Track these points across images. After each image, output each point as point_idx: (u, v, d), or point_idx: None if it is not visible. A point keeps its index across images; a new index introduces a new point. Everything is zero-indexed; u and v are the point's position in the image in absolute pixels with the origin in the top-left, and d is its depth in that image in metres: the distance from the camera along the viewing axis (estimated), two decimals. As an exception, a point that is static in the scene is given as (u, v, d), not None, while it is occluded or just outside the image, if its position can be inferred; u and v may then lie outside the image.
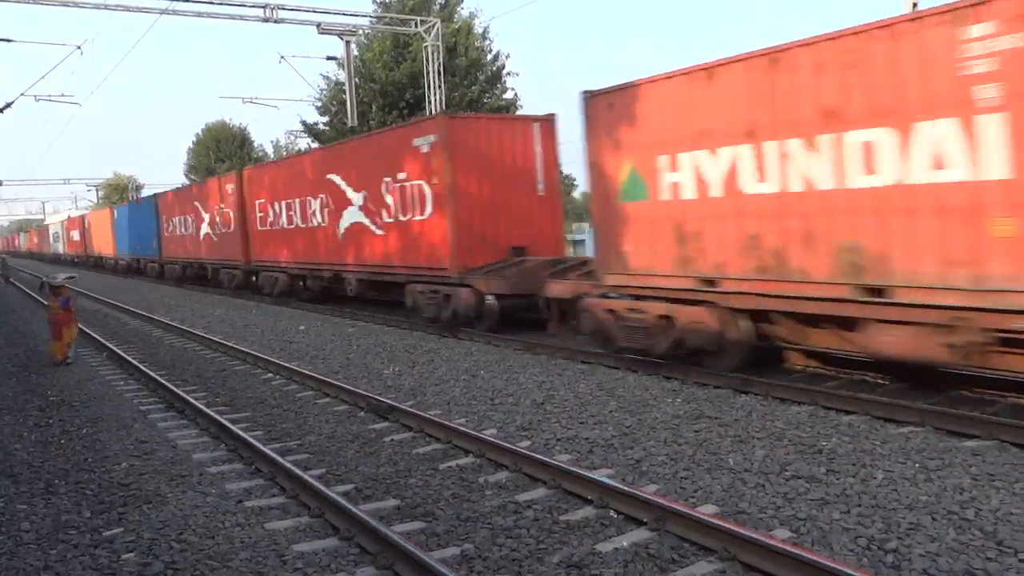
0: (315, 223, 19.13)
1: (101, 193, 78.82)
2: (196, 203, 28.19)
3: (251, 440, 7.47)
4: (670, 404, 8.45)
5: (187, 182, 54.89)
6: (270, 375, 11.46)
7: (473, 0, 33.30)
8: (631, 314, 10.29)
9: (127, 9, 21.95)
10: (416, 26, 26.39)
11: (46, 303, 15.08)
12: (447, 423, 7.79)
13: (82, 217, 55.45)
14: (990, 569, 4.45)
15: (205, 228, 27.42)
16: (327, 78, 32.46)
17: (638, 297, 10.33)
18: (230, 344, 13.86)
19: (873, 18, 7.54)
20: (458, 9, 30.76)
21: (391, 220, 15.90)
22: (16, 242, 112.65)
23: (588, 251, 18.63)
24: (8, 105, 24.26)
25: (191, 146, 56.67)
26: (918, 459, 6.30)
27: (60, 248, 64.44)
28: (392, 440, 7.77)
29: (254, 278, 24.27)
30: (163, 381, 10.67)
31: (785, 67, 8.28)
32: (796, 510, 5.43)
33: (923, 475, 5.94)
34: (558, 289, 12.17)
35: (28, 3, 20.69)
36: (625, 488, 5.69)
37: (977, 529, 4.97)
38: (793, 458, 6.50)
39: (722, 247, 9.12)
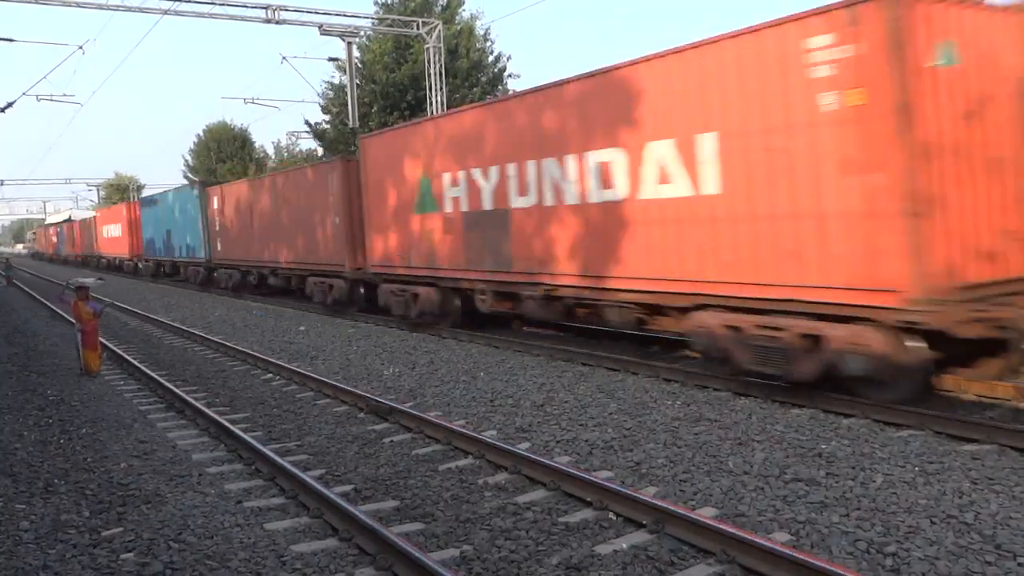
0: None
1: (102, 193, 78.84)
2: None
3: (251, 441, 7.48)
4: (670, 406, 8.45)
5: (186, 182, 55.00)
6: (270, 376, 11.46)
7: (474, 2, 33.37)
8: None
9: (129, 9, 21.97)
10: (417, 28, 26.42)
11: (68, 302, 13.24)
12: (447, 424, 7.79)
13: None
14: (989, 573, 4.46)
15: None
16: (329, 83, 32.51)
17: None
18: (230, 344, 13.86)
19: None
20: (459, 11, 30.81)
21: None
22: (76, 238, 57.47)
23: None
24: (10, 105, 24.30)
25: (192, 147, 56.63)
26: (917, 463, 6.30)
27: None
28: (392, 441, 7.77)
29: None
30: (163, 381, 10.68)
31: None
32: (795, 513, 5.43)
33: (922, 479, 5.94)
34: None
35: (30, 3, 20.71)
36: (625, 490, 5.69)
37: (976, 533, 4.97)
38: (793, 461, 6.51)
39: None
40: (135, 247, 38.73)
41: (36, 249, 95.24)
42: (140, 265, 38.50)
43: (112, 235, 43.80)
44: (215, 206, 26.45)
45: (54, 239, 72.45)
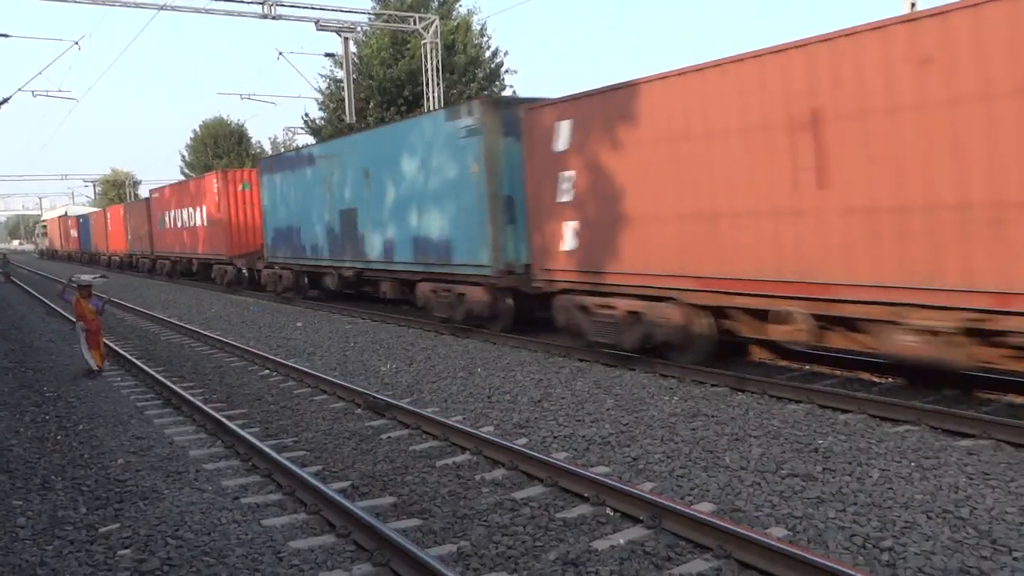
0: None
1: (98, 189, 78.73)
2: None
3: (248, 437, 7.47)
4: (667, 402, 8.47)
5: (183, 179, 54.85)
6: (267, 372, 11.45)
7: (471, -2, 33.25)
8: None
9: (125, 4, 21.90)
10: (414, 23, 26.37)
11: (69, 300, 12.18)
12: (444, 420, 7.79)
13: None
14: (984, 568, 4.47)
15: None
16: (326, 78, 32.49)
17: None
18: (227, 340, 13.85)
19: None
20: (456, 6, 30.78)
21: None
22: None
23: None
24: (5, 100, 24.29)
25: (189, 142, 56.61)
26: (914, 458, 6.31)
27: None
28: (389, 437, 7.77)
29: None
30: (160, 377, 10.67)
31: None
32: (792, 508, 5.45)
33: (919, 474, 5.96)
34: None
35: (25, -2, 20.62)
36: (621, 486, 5.70)
37: (972, 528, 4.99)
38: (789, 456, 6.52)
39: None
40: (245, 241, 24.30)
41: (46, 246, 77.33)
42: (255, 272, 23.21)
43: (185, 224, 28.68)
44: (560, 143, 11.03)
45: (74, 233, 57.63)
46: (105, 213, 46.80)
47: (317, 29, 24.42)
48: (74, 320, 11.95)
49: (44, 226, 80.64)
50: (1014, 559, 4.56)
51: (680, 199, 9.49)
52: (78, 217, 58.42)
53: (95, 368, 11.49)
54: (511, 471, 6.51)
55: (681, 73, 9.38)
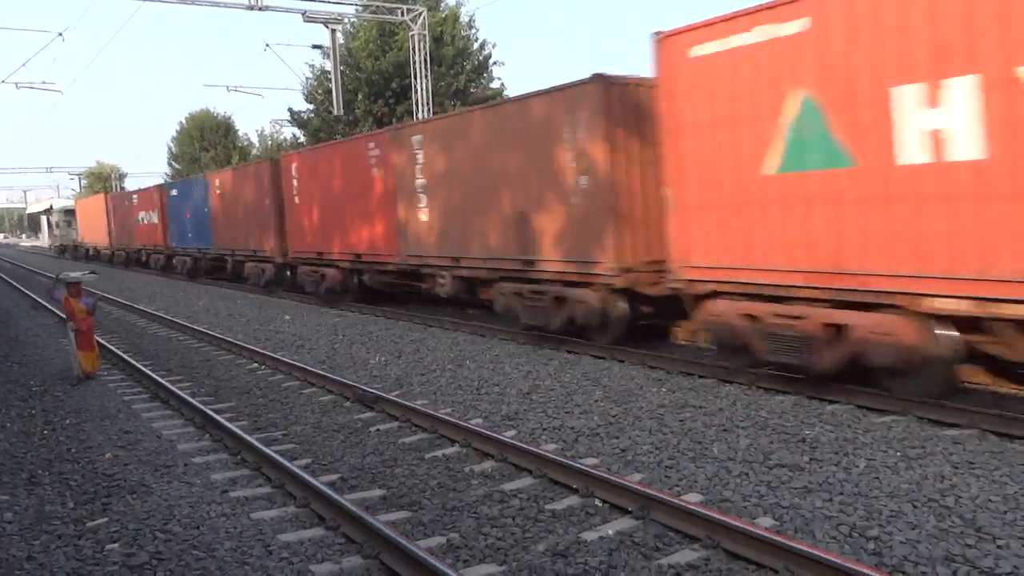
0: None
1: (84, 182, 78.09)
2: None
3: (236, 430, 7.45)
4: (655, 394, 8.50)
5: (170, 172, 54.46)
6: (255, 365, 11.42)
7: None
8: None
9: (109, -5, 21.69)
10: (402, 15, 26.25)
11: (59, 299, 11.19)
12: (433, 413, 7.80)
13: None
14: (969, 555, 4.52)
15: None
16: (313, 67, 32.33)
17: None
18: (215, 334, 13.79)
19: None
20: (444, -2, 30.66)
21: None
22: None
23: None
24: (-12, 92, 23.93)
25: (175, 135, 56.16)
26: (899, 448, 6.37)
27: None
28: (378, 430, 7.77)
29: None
30: (148, 371, 10.61)
31: None
32: (779, 498, 5.48)
33: (904, 463, 6.01)
34: None
35: (8, -11, 20.39)
36: (610, 477, 5.72)
37: (957, 516, 5.04)
38: (777, 447, 6.56)
39: None
40: None
41: (72, 240, 49.65)
42: None
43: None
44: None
45: (150, 217, 31.50)
46: (273, 167, 20.34)
47: (304, 21, 24.28)
48: (65, 319, 11.29)
49: (69, 211, 52.53)
50: (998, 547, 4.61)
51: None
52: (161, 188, 31.21)
53: (82, 375, 10.68)
54: (500, 463, 6.52)
55: None
